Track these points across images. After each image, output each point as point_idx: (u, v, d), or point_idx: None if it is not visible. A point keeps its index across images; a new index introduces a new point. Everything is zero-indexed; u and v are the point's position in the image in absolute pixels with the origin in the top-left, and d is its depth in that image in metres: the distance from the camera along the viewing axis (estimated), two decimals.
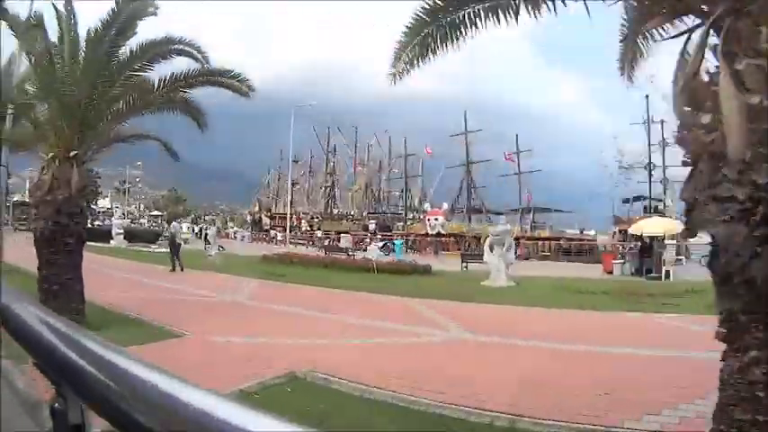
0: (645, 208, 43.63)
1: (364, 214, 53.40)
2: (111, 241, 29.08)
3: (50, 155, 7.98)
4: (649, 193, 44.09)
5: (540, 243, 40.19)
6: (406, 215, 51.54)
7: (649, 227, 23.10)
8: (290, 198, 45.31)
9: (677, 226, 26.17)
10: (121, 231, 30.92)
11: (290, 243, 43.59)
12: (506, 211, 44.43)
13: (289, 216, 38.55)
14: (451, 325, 8.80)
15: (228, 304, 10.65)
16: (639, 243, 23.51)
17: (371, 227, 46.21)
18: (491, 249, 16.72)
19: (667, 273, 20.87)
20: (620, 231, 41.35)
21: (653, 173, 46.31)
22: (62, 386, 0.62)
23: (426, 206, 45.03)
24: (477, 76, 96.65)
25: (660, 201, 43.63)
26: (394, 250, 26.51)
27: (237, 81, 8.29)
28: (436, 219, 42.05)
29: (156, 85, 8.17)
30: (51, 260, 7.74)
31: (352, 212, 56.59)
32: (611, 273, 22.90)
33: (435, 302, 11.31)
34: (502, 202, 48.68)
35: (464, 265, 22.38)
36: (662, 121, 46.46)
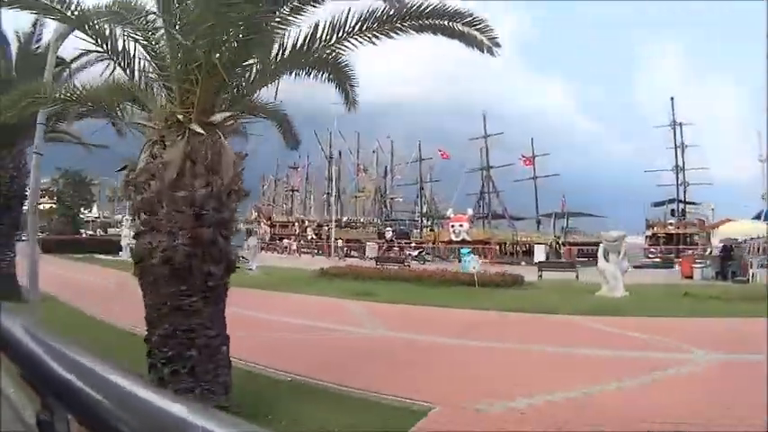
0: (672, 211, 42.26)
1: (379, 221, 50.69)
2: (121, 253, 25.68)
3: (180, 116, 4.71)
4: (677, 195, 42.79)
5: (573, 249, 38.21)
6: (422, 222, 48.99)
7: (740, 230, 21.23)
8: (333, 207, 41.73)
9: (764, 228, 24.68)
10: (132, 243, 27.43)
11: (303, 252, 40.58)
12: (541, 216, 42.50)
13: (333, 225, 35.19)
14: (671, 343, 7.38)
15: (384, 342, 7.73)
16: (722, 246, 21.87)
17: (388, 234, 43.46)
18: (605, 257, 14.62)
19: (753, 275, 19.78)
20: (652, 235, 39.84)
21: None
22: (48, 398, 0.62)
23: (449, 212, 42.52)
24: (477, 77, 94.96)
25: (692, 203, 42.31)
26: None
27: (478, 30, 5.06)
28: (461, 225, 39.59)
29: (345, 25, 5.20)
30: (183, 306, 4.45)
31: (362, 219, 53.79)
32: (689, 277, 21.48)
33: (602, 319, 9.54)
34: (516, 206, 46.93)
35: (539, 274, 20.11)
36: (680, 124, 45.56)
